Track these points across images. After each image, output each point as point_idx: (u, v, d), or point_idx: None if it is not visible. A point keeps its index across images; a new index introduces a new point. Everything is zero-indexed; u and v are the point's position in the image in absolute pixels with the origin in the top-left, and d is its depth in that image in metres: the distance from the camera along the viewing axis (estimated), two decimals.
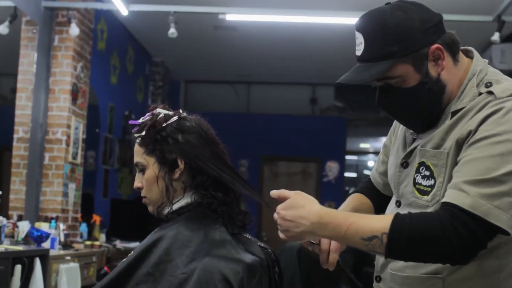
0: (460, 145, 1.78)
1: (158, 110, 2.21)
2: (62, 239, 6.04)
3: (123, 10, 6.58)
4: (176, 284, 1.91)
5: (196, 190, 2.12)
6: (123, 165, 9.13)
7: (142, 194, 2.18)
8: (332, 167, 11.63)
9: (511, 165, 1.67)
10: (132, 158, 7.94)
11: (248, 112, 11.88)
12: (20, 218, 5.84)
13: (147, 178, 2.14)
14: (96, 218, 7.35)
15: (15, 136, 6.28)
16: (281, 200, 1.85)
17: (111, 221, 8.39)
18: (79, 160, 6.86)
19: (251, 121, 11.57)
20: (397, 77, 1.83)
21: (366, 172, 16.96)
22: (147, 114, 2.21)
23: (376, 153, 15.73)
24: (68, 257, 5.50)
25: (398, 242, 1.68)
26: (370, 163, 16.89)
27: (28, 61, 6.37)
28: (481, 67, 1.88)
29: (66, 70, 6.58)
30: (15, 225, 5.41)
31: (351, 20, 6.87)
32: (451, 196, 1.69)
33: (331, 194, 11.12)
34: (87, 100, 7.08)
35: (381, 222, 1.71)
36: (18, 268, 4.43)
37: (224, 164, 2.12)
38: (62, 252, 5.57)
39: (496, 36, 6.19)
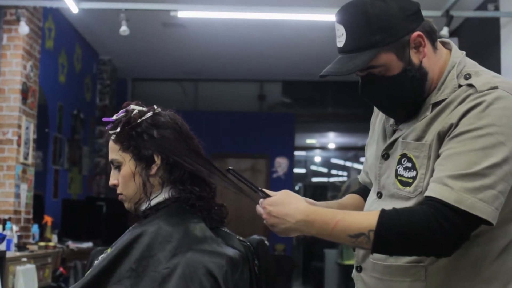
0: (441, 137, 1.81)
1: (132, 106, 2.20)
2: (16, 240, 5.95)
3: (74, 8, 6.51)
4: (159, 279, 1.92)
5: (173, 185, 2.13)
6: (73, 164, 9.04)
7: (118, 191, 2.17)
8: (281, 163, 11.69)
9: (493, 158, 1.71)
10: (81, 158, 7.85)
11: (196, 110, 11.86)
12: None
13: (124, 175, 2.14)
14: (48, 219, 7.27)
15: None
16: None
17: (63, 222, 8.29)
18: (30, 160, 6.77)
19: (199, 119, 11.50)
20: (381, 66, 1.85)
21: (313, 167, 17.10)
22: (121, 111, 2.21)
23: (322, 148, 15.87)
24: (24, 259, 5.43)
25: (385, 239, 1.72)
26: (317, 159, 17.04)
27: None
28: (459, 59, 1.91)
29: (15, 69, 6.48)
30: None
31: (298, 16, 6.94)
32: (436, 190, 1.73)
33: (281, 189, 11.15)
34: (37, 100, 6.98)
35: (368, 219, 1.75)
36: None
37: (200, 158, 2.13)
38: (18, 253, 5.50)
39: (445, 31, 6.31)
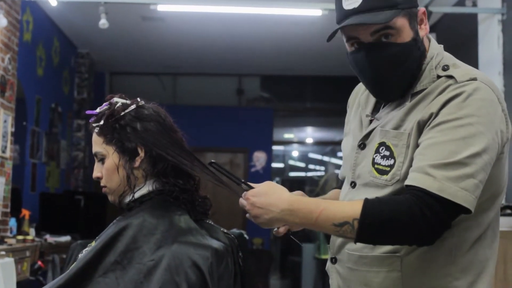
0: (421, 126, 1.83)
1: (115, 99, 2.21)
2: None
3: (52, 1, 6.48)
4: (144, 271, 1.93)
5: (157, 178, 2.14)
6: (51, 158, 8.99)
7: (102, 184, 2.17)
8: (259, 157, 11.71)
9: (474, 147, 1.74)
10: (58, 151, 7.81)
11: (174, 104, 11.83)
12: None
13: (107, 167, 2.14)
14: (25, 213, 7.22)
15: None
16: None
17: (40, 215, 8.25)
18: (8, 153, 6.73)
19: (177, 113, 11.33)
20: (397, 29, 1.85)
21: (291, 162, 17.12)
22: (104, 103, 2.21)
23: (300, 143, 15.89)
24: (3, 252, 5.40)
25: (369, 228, 1.73)
26: (295, 153, 17.06)
27: None
28: (437, 51, 1.94)
29: None
30: None
31: (277, 10, 6.95)
32: (418, 180, 1.74)
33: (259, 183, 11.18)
34: (15, 93, 6.94)
35: (352, 208, 1.76)
36: None
37: (183, 150, 2.14)
38: None
39: None
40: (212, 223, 2.19)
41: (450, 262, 1.84)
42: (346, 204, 1.82)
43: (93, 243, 2.08)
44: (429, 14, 6.33)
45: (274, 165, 13.60)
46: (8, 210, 6.81)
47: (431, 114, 1.81)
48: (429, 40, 1.97)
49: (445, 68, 1.88)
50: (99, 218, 8.54)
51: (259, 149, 11.69)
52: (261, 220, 1.83)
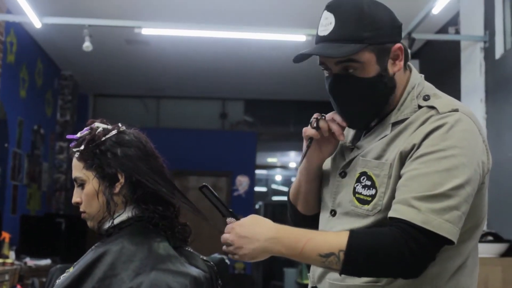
0: (403, 157, 1.82)
1: (97, 124, 2.20)
2: None
3: (37, 23, 6.46)
4: None
5: (136, 204, 2.12)
6: (32, 180, 8.94)
7: (81, 209, 2.15)
8: (242, 182, 11.69)
9: (457, 179, 1.74)
10: (40, 173, 7.77)
11: (158, 127, 11.82)
12: None
13: (87, 193, 2.12)
14: (5, 235, 7.16)
15: None
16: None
17: (21, 238, 8.18)
18: None
19: (161, 136, 11.39)
20: (361, 63, 1.85)
21: (273, 186, 17.12)
22: (85, 128, 2.20)
23: (283, 167, 15.90)
24: None
25: (354, 259, 1.72)
26: (278, 177, 17.07)
27: None
28: (418, 80, 1.94)
29: None
30: None
31: (260, 35, 6.97)
32: (402, 212, 1.74)
33: (242, 208, 11.14)
34: None
35: (338, 239, 1.74)
36: None
37: (162, 178, 2.13)
38: None
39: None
40: (192, 250, 2.17)
41: None
42: (332, 235, 1.80)
43: (71, 269, 2.06)
44: (412, 41, 6.37)
45: (257, 189, 13.59)
46: None
47: (414, 145, 1.80)
48: (410, 70, 1.97)
49: (426, 98, 1.88)
50: (80, 241, 8.47)
51: (242, 173, 11.68)
52: (245, 251, 1.78)
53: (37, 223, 8.67)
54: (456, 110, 1.82)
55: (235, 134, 11.91)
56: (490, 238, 5.32)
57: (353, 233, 1.75)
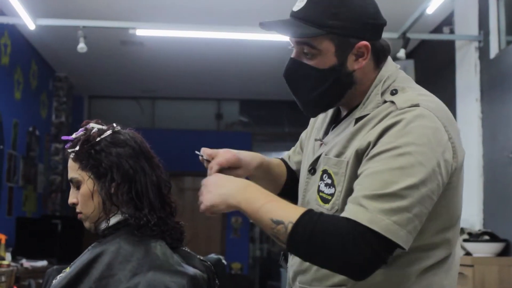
0: (360, 155, 1.75)
1: (92, 124, 2.20)
2: None
3: (30, 25, 6.45)
4: None
5: (133, 204, 2.12)
6: (28, 182, 8.92)
7: (78, 210, 2.15)
8: None
9: (411, 178, 1.63)
10: (36, 175, 7.75)
11: (153, 128, 11.82)
12: None
13: (83, 194, 2.12)
14: (1, 237, 7.15)
15: None
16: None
17: (17, 240, 8.17)
18: None
19: (156, 137, 11.37)
20: (317, 50, 1.80)
21: None
22: (80, 129, 2.20)
23: None
24: None
25: (300, 236, 1.65)
26: None
27: None
28: (390, 73, 1.85)
29: None
30: None
31: (255, 36, 6.97)
32: (351, 211, 1.65)
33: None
34: None
35: (294, 211, 1.69)
36: None
37: (158, 178, 2.13)
38: None
39: (401, 53, 6.38)
40: (189, 250, 2.17)
41: None
42: (292, 207, 1.73)
43: (68, 269, 2.06)
44: (407, 41, 6.38)
45: None
46: None
47: (369, 143, 1.72)
48: (378, 64, 1.88)
49: (393, 92, 1.79)
50: (76, 242, 8.46)
51: None
52: (210, 195, 1.81)
53: (33, 224, 8.67)
54: (417, 105, 1.71)
55: (230, 135, 11.91)
56: (486, 237, 5.33)
57: (310, 212, 1.68)
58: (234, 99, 11.90)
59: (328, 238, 1.62)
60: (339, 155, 1.83)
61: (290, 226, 1.66)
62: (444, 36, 6.97)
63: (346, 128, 1.86)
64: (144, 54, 9.13)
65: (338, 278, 1.77)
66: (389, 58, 1.90)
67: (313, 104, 1.90)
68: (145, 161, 2.14)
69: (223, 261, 2.56)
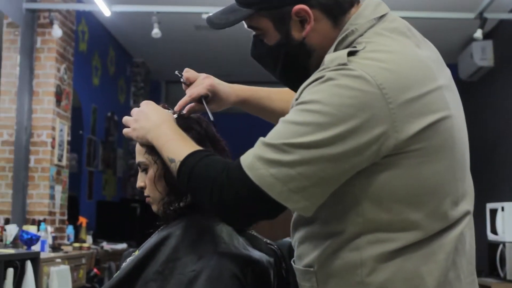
0: None
1: None
2: (51, 241, 6.02)
3: (106, 11, 6.56)
4: (185, 282, 1.91)
5: None
6: (107, 166, 9.11)
7: (146, 194, 2.16)
8: None
9: (303, 138, 1.46)
10: (115, 160, 7.90)
11: (229, 112, 11.84)
12: (7, 221, 5.81)
13: (150, 177, 2.13)
14: (82, 220, 7.32)
15: (0, 139, 6.25)
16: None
17: (97, 223, 8.37)
18: (64, 162, 6.84)
19: (232, 121, 11.54)
20: (260, 29, 1.69)
21: None
22: None
23: None
24: (59, 260, 5.48)
25: (182, 176, 1.64)
26: None
27: (11, 64, 6.33)
28: (355, 27, 1.60)
29: (49, 72, 6.55)
30: (3, 229, 5.39)
31: None
32: (246, 153, 1.56)
33: None
34: (71, 102, 7.05)
35: (186, 150, 1.67)
36: (10, 271, 4.41)
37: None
38: (52, 254, 5.55)
39: (478, 33, 6.23)
40: (255, 234, 2.16)
41: (359, 283, 1.55)
42: (190, 146, 1.72)
43: (137, 252, 2.09)
44: (484, 21, 6.22)
45: None
46: (65, 217, 6.93)
47: (296, 99, 1.58)
48: (336, 22, 1.65)
49: (354, 47, 1.56)
50: (155, 226, 8.59)
51: None
52: (138, 125, 1.88)
53: (113, 208, 8.87)
54: (344, 65, 1.49)
55: None
56: None
57: (198, 152, 1.66)
58: None
59: (200, 181, 1.60)
60: None
61: (178, 165, 1.66)
62: None
63: None
64: (218, 38, 9.16)
65: (308, 258, 1.65)
66: (362, 9, 1.65)
67: (285, 81, 1.80)
68: (210, 145, 2.14)
69: None
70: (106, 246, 7.52)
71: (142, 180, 2.17)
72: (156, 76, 11.32)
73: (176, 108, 2.03)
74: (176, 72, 2.05)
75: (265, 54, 1.75)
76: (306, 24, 1.62)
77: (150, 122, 1.85)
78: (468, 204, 1.63)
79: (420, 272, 1.53)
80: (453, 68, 9.64)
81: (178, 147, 1.71)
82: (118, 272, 2.02)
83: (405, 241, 1.52)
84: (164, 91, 11.95)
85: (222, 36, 8.98)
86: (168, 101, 8.78)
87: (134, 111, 1.91)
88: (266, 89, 2.15)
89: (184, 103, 2.03)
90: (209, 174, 1.57)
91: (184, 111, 2.04)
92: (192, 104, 2.05)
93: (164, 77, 11.69)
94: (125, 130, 1.95)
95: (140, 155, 2.16)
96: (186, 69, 2.06)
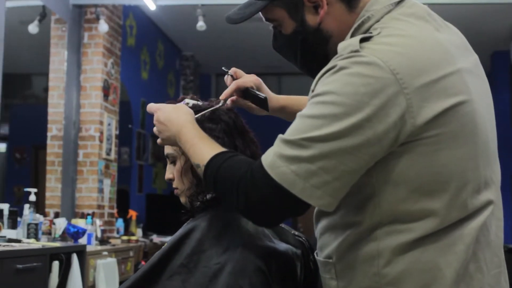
0: None
1: (186, 100, 2.20)
2: (99, 235, 6.08)
3: (151, 5, 6.59)
4: (210, 274, 1.90)
5: None
6: (157, 160, 9.17)
7: (174, 185, 2.16)
8: None
9: (318, 131, 1.44)
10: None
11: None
12: (56, 215, 5.88)
13: (178, 169, 2.13)
14: (132, 213, 7.39)
15: (49, 134, 6.35)
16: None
17: (147, 216, 8.43)
18: (113, 156, 6.90)
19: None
20: (275, 20, 1.70)
21: None
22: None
23: None
24: (105, 253, 5.54)
25: (208, 179, 1.66)
26: None
27: (58, 60, 6.42)
28: (371, 12, 1.57)
29: (96, 67, 6.61)
30: (51, 222, 5.45)
31: None
32: (266, 152, 1.54)
33: None
34: (119, 96, 7.11)
35: (209, 153, 1.67)
36: (55, 264, 4.46)
37: (252, 152, 2.11)
38: (99, 247, 5.61)
39: None
40: (283, 226, 2.14)
41: (375, 274, 1.53)
42: (211, 148, 1.71)
43: (165, 245, 2.08)
44: None
45: None
46: (114, 211, 6.99)
47: (312, 91, 1.55)
48: (351, 6, 1.62)
49: (370, 33, 1.52)
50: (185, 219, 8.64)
51: None
52: (163, 136, 1.90)
53: (163, 201, 8.91)
54: (356, 52, 1.46)
55: None
56: None
57: (221, 154, 1.65)
58: None
59: (225, 185, 1.60)
60: None
61: (203, 170, 1.67)
62: None
63: None
64: (265, 30, 9.07)
65: (328, 249, 1.64)
66: None
67: (306, 70, 1.78)
68: (238, 137, 2.12)
69: None
70: (156, 239, 7.57)
71: (170, 172, 2.17)
72: (206, 69, 11.35)
73: (222, 96, 2.05)
74: (223, 68, 2.06)
75: (284, 45, 1.76)
76: (319, 9, 1.61)
77: (169, 132, 1.88)
78: (491, 193, 1.57)
79: (438, 264, 1.49)
80: (505, 54, 9.44)
81: (201, 151, 1.72)
82: (144, 264, 2.02)
83: (423, 230, 1.48)
84: (214, 84, 11.98)
85: (268, 27, 8.94)
86: (218, 93, 8.77)
87: (158, 118, 1.94)
88: (304, 97, 2.12)
89: (230, 92, 2.04)
90: (233, 177, 1.57)
91: (228, 102, 2.06)
92: (235, 97, 2.06)
93: (214, 70, 11.72)
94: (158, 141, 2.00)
95: (169, 147, 2.16)
96: (233, 68, 2.07)
